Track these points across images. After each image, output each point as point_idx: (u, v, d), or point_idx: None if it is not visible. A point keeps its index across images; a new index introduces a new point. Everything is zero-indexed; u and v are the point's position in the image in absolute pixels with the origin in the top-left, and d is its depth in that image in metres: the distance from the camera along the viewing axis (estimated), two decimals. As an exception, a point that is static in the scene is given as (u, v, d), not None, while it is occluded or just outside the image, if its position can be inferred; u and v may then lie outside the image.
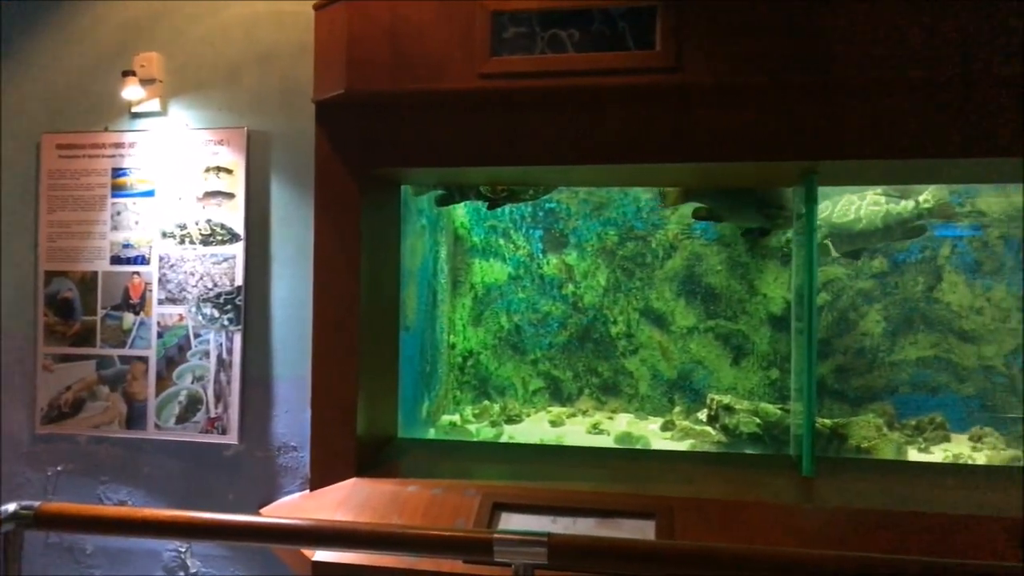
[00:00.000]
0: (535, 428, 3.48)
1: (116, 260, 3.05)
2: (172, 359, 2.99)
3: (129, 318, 3.03)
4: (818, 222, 2.71)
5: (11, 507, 1.77)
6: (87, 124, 3.10)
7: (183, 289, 2.99)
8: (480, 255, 3.77)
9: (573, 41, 2.25)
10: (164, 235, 3.01)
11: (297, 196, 2.93)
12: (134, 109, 3.04)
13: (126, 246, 3.04)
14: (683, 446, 3.20)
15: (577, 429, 3.44)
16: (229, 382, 2.95)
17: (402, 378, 2.96)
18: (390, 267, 2.83)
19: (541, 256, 3.72)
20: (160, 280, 3.01)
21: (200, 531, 1.85)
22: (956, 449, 3.11)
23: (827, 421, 3.09)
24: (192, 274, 2.98)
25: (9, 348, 3.15)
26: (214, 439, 2.96)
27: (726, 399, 3.25)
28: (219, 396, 2.95)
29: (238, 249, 2.95)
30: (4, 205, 3.16)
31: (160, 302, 3.01)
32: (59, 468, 3.13)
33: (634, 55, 2.22)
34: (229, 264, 2.95)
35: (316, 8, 2.48)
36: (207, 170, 2.98)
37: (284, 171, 2.95)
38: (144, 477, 3.05)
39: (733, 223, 3.38)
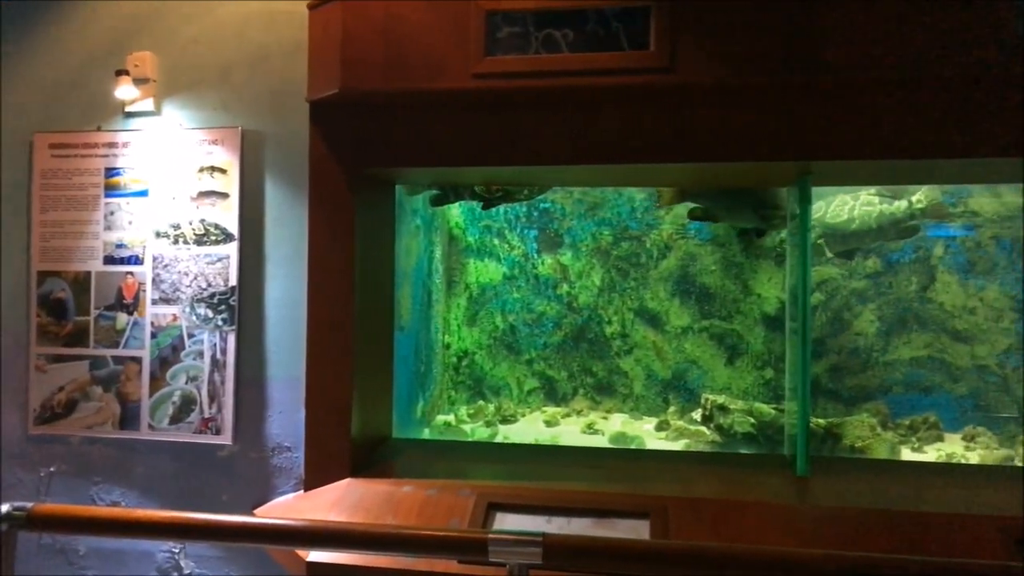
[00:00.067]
0: (530, 428, 3.48)
1: (109, 260, 3.04)
2: (166, 359, 2.99)
3: (123, 318, 3.02)
4: (812, 222, 2.72)
5: (4, 508, 1.76)
6: (80, 123, 3.09)
7: (177, 289, 2.98)
8: (475, 255, 3.77)
9: (567, 41, 2.25)
10: (158, 235, 3.00)
11: (291, 196, 2.92)
12: (127, 108, 3.03)
13: (119, 246, 3.03)
14: (678, 446, 3.21)
15: (572, 429, 3.44)
16: (223, 382, 2.94)
17: (397, 378, 2.96)
18: (385, 267, 2.83)
19: (536, 256, 3.72)
20: (154, 280, 3.00)
21: (194, 532, 1.84)
22: (949, 448, 3.12)
23: (821, 421, 3.10)
24: (186, 274, 2.97)
25: (1, 348, 3.13)
26: (208, 440, 2.95)
27: (720, 399, 3.25)
28: (213, 396, 2.95)
29: (232, 249, 2.94)
30: (-4, 205, 3.15)
31: (154, 302, 3.00)
32: (52, 469, 3.11)
33: (628, 55, 2.22)
34: (223, 264, 2.95)
35: (310, 7, 2.48)
36: (201, 170, 2.97)
37: (278, 171, 2.94)
38: (138, 478, 3.04)
39: (729, 223, 3.38)
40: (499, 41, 2.28)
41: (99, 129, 3.06)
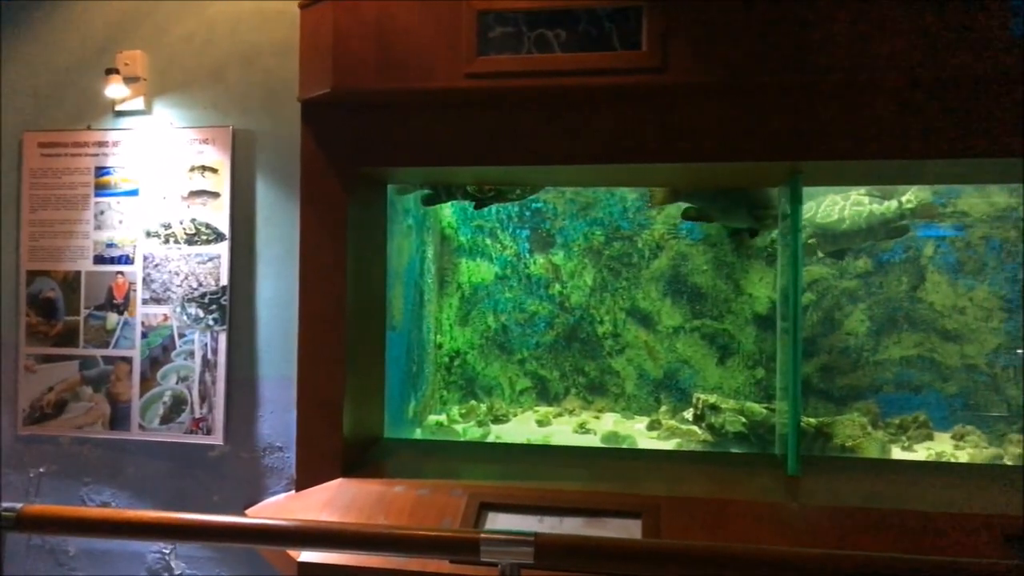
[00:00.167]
0: (522, 428, 3.49)
1: (99, 260, 3.02)
2: (156, 359, 2.97)
3: (113, 318, 3.01)
4: (802, 222, 2.73)
5: (-8, 509, 1.75)
6: (70, 122, 3.07)
7: (167, 289, 2.97)
8: (467, 255, 3.77)
9: (559, 41, 2.25)
10: (148, 234, 2.99)
11: (283, 195, 2.91)
12: (118, 107, 3.02)
13: (110, 245, 3.02)
14: (669, 445, 3.22)
15: (564, 429, 3.44)
16: (214, 382, 2.93)
17: (388, 378, 2.96)
18: (376, 267, 2.82)
19: (528, 256, 3.72)
20: (144, 280, 2.99)
21: (185, 532, 1.84)
22: (939, 447, 3.14)
23: (812, 420, 3.11)
24: (177, 274, 2.96)
25: (-10, 348, 3.12)
26: (199, 440, 2.94)
27: (712, 398, 3.26)
28: (204, 396, 2.93)
29: (223, 248, 2.93)
30: (-15, 204, 3.13)
31: (144, 302, 2.98)
32: (41, 470, 3.10)
33: (620, 55, 2.22)
34: (214, 264, 2.94)
35: (301, 6, 2.47)
36: (192, 169, 2.96)
37: (269, 170, 2.93)
38: (128, 478, 3.03)
39: (723, 224, 3.39)
40: (491, 41, 2.28)
41: (89, 128, 3.05)
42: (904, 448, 3.16)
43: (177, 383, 2.96)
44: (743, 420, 3.16)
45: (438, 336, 3.75)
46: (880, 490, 2.37)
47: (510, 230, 3.74)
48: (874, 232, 3.16)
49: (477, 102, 2.37)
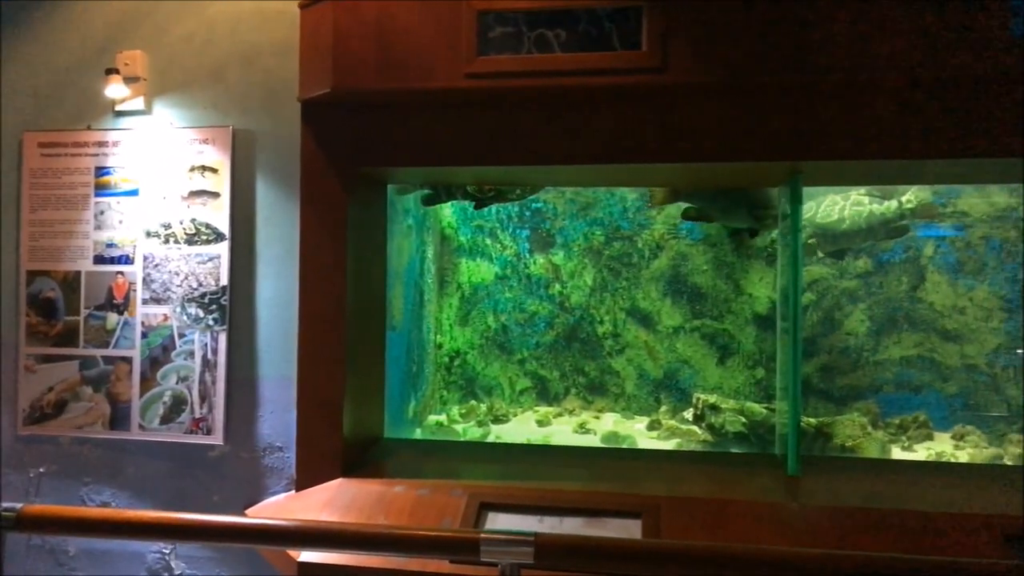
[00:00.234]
0: (522, 428, 3.48)
1: (99, 260, 3.02)
2: (156, 359, 2.97)
3: (113, 318, 3.01)
4: (802, 222, 2.73)
5: (-8, 509, 1.75)
6: (70, 122, 3.07)
7: (167, 289, 2.97)
8: (467, 255, 3.77)
9: (559, 41, 2.25)
10: (148, 234, 2.99)
11: (283, 195, 2.91)
12: (118, 107, 3.02)
13: (110, 245, 3.02)
14: (669, 445, 3.21)
15: (564, 429, 3.44)
16: (214, 382, 2.93)
17: (389, 378, 2.96)
18: (377, 267, 2.82)
19: (528, 256, 3.72)
20: (144, 280, 2.99)
21: (185, 532, 1.84)
22: (939, 447, 3.14)
23: (812, 420, 3.11)
24: (177, 274, 2.96)
25: (-10, 348, 3.12)
26: (199, 440, 2.94)
27: (712, 398, 3.26)
28: (204, 396, 2.93)
29: (223, 248, 2.93)
30: (-15, 204, 3.13)
31: (144, 302, 2.98)
32: (41, 470, 3.10)
33: (620, 55, 2.22)
34: (214, 264, 2.94)
35: (301, 6, 2.47)
36: (192, 169, 2.96)
37: (269, 170, 2.93)
38: (128, 478, 3.03)
39: (723, 224, 3.39)
40: (491, 41, 2.28)
41: (89, 128, 3.05)
42: (904, 448, 3.16)
43: (177, 383, 2.96)
44: (743, 420, 3.16)
45: (438, 336, 3.75)
46: (880, 490, 2.37)
47: (510, 230, 3.74)
48: (874, 232, 3.16)
49: (477, 102, 2.37)
